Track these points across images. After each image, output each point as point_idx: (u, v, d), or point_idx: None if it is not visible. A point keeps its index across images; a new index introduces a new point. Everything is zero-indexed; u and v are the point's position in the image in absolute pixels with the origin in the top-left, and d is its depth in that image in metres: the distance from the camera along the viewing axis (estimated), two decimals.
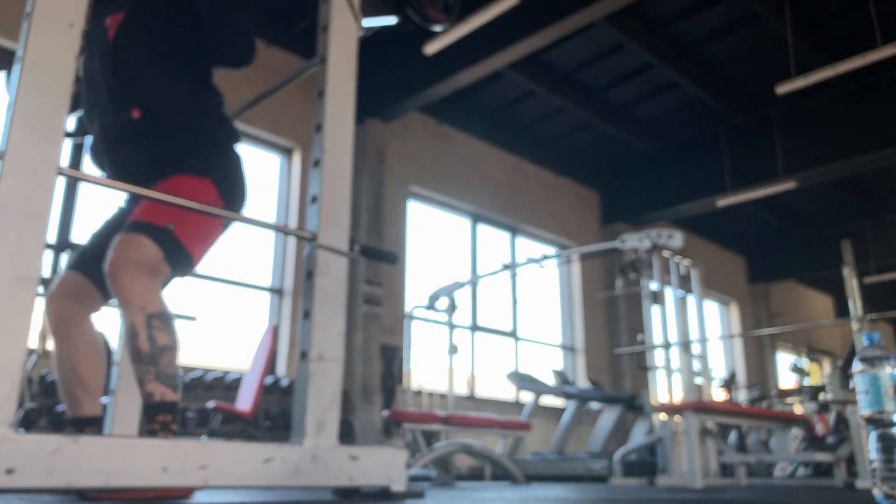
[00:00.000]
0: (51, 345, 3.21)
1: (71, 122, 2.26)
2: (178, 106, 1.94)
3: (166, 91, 1.94)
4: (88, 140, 2.07)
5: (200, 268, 1.99)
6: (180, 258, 1.84)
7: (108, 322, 2.41)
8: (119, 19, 1.96)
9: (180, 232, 1.83)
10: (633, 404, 6.93)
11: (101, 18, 1.99)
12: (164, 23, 1.96)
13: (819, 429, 6.06)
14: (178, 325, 1.82)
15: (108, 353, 3.53)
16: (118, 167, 1.94)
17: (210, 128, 1.97)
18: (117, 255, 1.76)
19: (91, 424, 1.89)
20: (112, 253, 1.78)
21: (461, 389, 8.04)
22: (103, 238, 1.94)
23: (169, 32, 1.96)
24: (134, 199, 2.01)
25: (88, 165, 3.18)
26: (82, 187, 5.47)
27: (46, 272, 4.40)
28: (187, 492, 1.75)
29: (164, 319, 1.75)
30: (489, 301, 9.01)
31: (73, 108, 2.10)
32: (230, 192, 1.95)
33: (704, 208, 10.09)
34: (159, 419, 1.71)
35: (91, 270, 1.89)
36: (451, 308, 6.17)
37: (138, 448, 1.45)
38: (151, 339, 1.72)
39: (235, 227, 2.04)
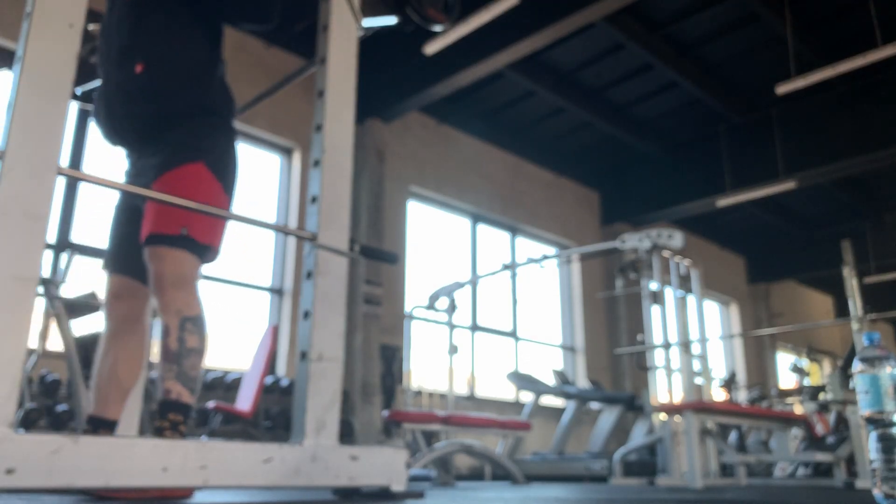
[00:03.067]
0: (57, 342, 3.20)
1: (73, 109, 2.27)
2: (182, 66, 1.93)
3: (173, 49, 1.93)
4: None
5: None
6: (204, 252, 1.89)
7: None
8: None
9: (194, 231, 1.86)
10: (633, 404, 6.93)
11: None
12: None
13: (819, 429, 6.06)
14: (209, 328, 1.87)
15: None
16: (113, 121, 1.95)
17: (208, 96, 1.96)
18: (158, 268, 1.82)
19: (107, 427, 1.89)
20: (153, 267, 1.83)
21: (461, 389, 8.04)
22: (125, 237, 1.96)
23: None
24: (133, 176, 1.99)
25: (88, 165, 3.17)
26: (82, 187, 5.47)
27: (46, 272, 4.40)
28: (188, 492, 1.75)
29: (197, 323, 1.81)
30: (489, 301, 9.01)
31: (90, 78, 2.13)
32: (224, 170, 1.96)
33: (704, 208, 10.09)
34: (171, 417, 1.73)
35: (132, 269, 1.93)
36: (451, 308, 6.17)
37: (138, 448, 1.45)
38: (181, 339, 1.77)
39: (235, 224, 2.04)
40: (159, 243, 1.82)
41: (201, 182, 1.89)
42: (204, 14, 1.98)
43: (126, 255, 1.95)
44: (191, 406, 1.77)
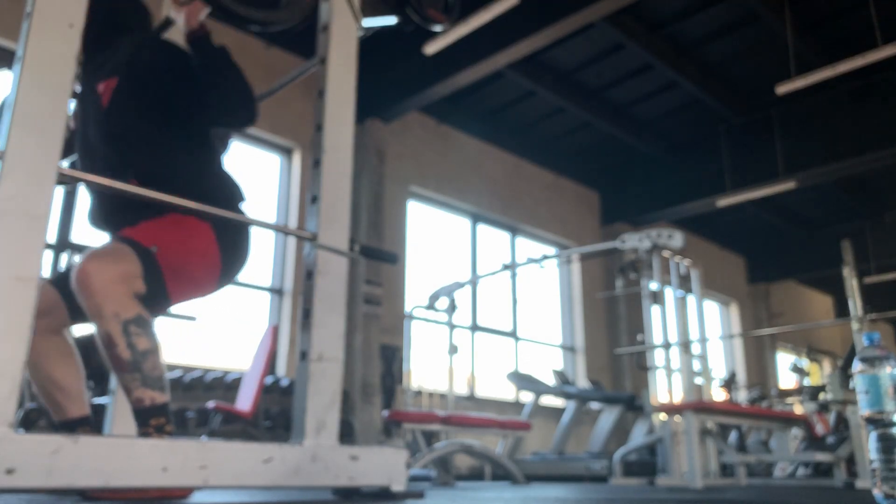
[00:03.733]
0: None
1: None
2: (178, 174, 1.87)
3: (163, 158, 1.88)
4: (80, 190, 2.04)
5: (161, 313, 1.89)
6: (156, 284, 1.75)
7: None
8: (112, 85, 1.90)
9: (162, 257, 1.76)
10: (633, 404, 6.93)
11: (93, 83, 1.93)
12: (159, 88, 1.89)
13: (819, 429, 6.06)
14: (175, 324, 1.80)
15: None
16: (116, 228, 1.90)
17: (211, 194, 1.89)
18: (89, 258, 1.67)
19: (81, 425, 1.87)
20: (83, 257, 1.68)
21: (461, 389, 8.04)
22: None
23: (165, 96, 1.90)
24: None
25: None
26: (82, 187, 5.46)
27: (46, 272, 4.40)
28: (186, 492, 1.75)
29: (141, 324, 1.67)
30: (489, 301, 9.01)
31: (65, 154, 2.03)
32: (230, 245, 1.89)
33: (704, 208, 10.09)
34: (153, 423, 1.67)
35: (67, 289, 1.78)
36: (451, 308, 6.17)
37: (138, 448, 1.45)
38: (131, 345, 1.64)
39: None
40: (121, 241, 1.75)
41: (201, 234, 1.84)
42: (182, 121, 1.93)
43: (69, 272, 1.82)
44: (167, 403, 1.70)
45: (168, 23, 2.08)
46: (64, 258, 4.45)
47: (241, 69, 1.90)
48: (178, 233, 1.81)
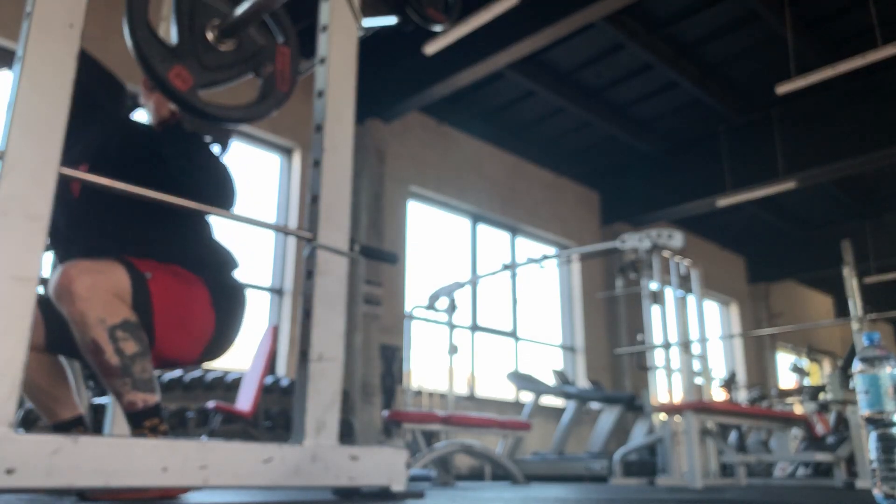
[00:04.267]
0: None
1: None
2: (167, 243, 1.82)
3: (143, 241, 1.81)
4: None
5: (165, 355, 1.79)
6: (143, 311, 1.67)
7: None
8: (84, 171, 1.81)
9: (154, 286, 1.70)
10: (633, 404, 6.93)
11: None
12: (129, 170, 1.72)
13: (819, 429, 6.06)
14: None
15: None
16: None
17: (204, 256, 1.86)
18: (73, 264, 1.61)
19: (75, 426, 1.87)
20: (65, 265, 1.61)
21: (461, 389, 8.04)
22: None
23: (140, 180, 1.70)
24: None
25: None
26: None
27: (46, 272, 4.40)
28: (179, 491, 1.74)
29: (127, 328, 1.61)
30: (489, 301, 9.01)
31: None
32: (224, 312, 1.84)
33: (704, 208, 10.09)
34: (147, 424, 1.66)
35: (49, 311, 1.71)
36: (451, 308, 6.17)
37: (138, 448, 1.45)
38: (119, 351, 1.59)
39: (235, 225, 1.94)
40: (114, 258, 1.68)
41: (195, 289, 1.78)
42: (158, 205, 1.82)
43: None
44: (159, 403, 1.68)
45: (137, 104, 2.03)
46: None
47: (215, 156, 1.84)
48: (177, 278, 1.76)
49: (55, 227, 1.74)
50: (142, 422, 1.66)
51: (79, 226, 1.81)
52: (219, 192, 1.79)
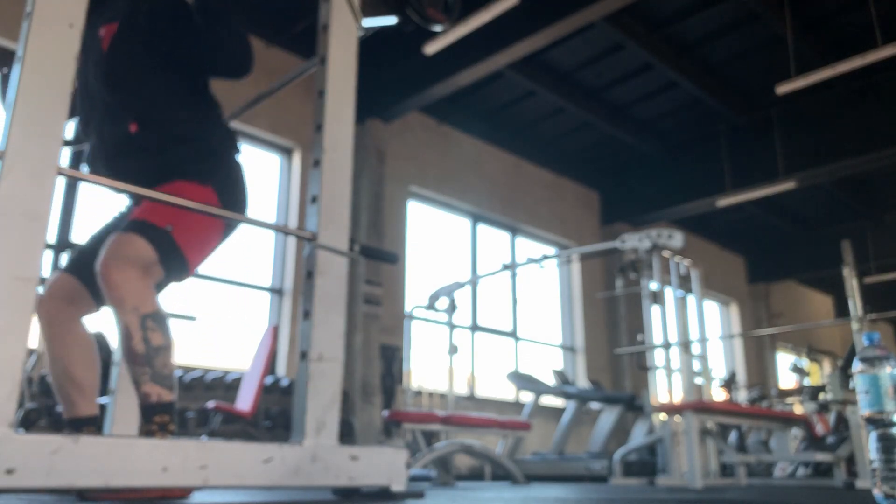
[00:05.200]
0: (42, 346, 3.20)
1: (70, 129, 2.25)
2: (176, 119, 1.92)
3: (163, 104, 1.92)
4: (86, 148, 2.04)
5: (201, 269, 1.98)
6: (176, 261, 1.82)
7: (106, 322, 2.38)
8: (113, 30, 1.93)
9: (178, 234, 1.81)
10: (633, 404, 6.93)
11: (94, 28, 1.95)
12: (159, 33, 1.92)
13: (819, 429, 6.06)
14: (174, 324, 1.81)
15: (106, 352, 3.52)
16: (118, 178, 1.89)
17: (209, 138, 1.96)
18: (110, 254, 1.74)
19: (88, 424, 1.88)
20: (104, 251, 1.75)
21: (461, 389, 8.04)
22: (100, 241, 1.92)
23: (165, 43, 1.92)
24: (135, 203, 2.00)
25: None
26: (82, 187, 5.47)
27: (46, 272, 4.40)
28: (185, 492, 1.75)
29: (157, 320, 1.73)
30: (489, 301, 9.01)
31: (69, 115, 2.08)
32: (232, 200, 1.94)
33: (704, 208, 10.09)
34: (156, 420, 1.70)
35: (85, 274, 1.86)
36: (451, 308, 6.17)
37: (138, 448, 1.45)
38: (146, 339, 1.69)
39: (235, 231, 2.04)
40: (134, 230, 1.78)
41: (205, 200, 1.87)
42: (182, 69, 1.97)
43: (86, 256, 1.90)
44: (173, 403, 1.74)
45: None
46: (64, 258, 4.46)
47: (238, 24, 1.93)
48: (194, 211, 1.82)
49: (84, 80, 1.95)
50: (152, 416, 1.70)
51: (105, 84, 1.92)
52: (242, 54, 1.92)
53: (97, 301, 1.91)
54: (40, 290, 1.53)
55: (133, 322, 1.69)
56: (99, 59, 1.92)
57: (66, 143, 2.28)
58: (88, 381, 1.90)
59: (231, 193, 1.95)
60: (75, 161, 4.62)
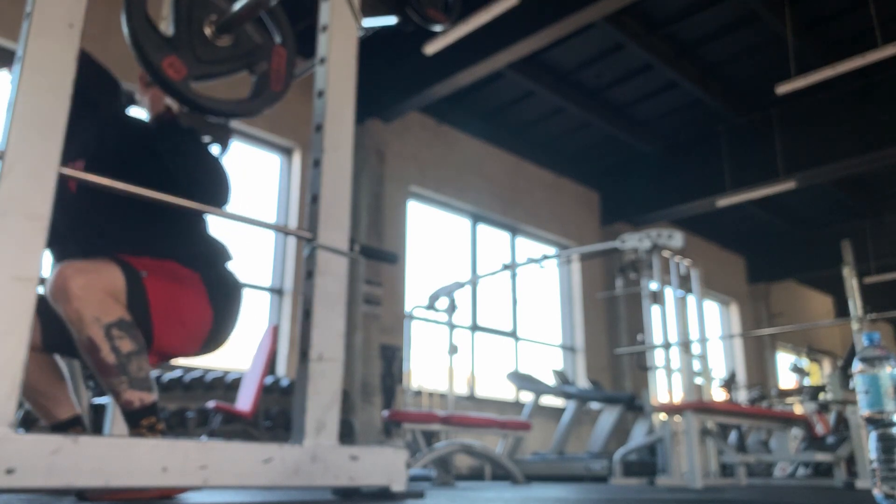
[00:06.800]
0: None
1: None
2: (162, 238, 1.84)
3: (141, 238, 1.82)
4: None
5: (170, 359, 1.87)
6: (139, 316, 1.68)
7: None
8: (79, 168, 1.80)
9: (151, 286, 1.70)
10: (633, 404, 6.93)
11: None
12: (125, 166, 1.73)
13: (819, 429, 6.06)
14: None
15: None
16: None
17: (198, 250, 1.88)
18: (68, 265, 1.62)
19: (73, 425, 1.87)
20: (61, 265, 1.63)
21: (461, 389, 8.04)
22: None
23: (135, 175, 1.70)
24: None
25: None
26: None
27: (46, 272, 4.39)
28: (178, 491, 1.74)
29: (122, 327, 1.63)
30: (489, 301, 9.01)
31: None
32: (221, 305, 1.85)
33: (704, 208, 10.09)
34: (144, 423, 1.67)
35: (44, 309, 1.70)
36: (451, 308, 6.17)
37: (138, 448, 1.45)
38: (115, 349, 1.61)
39: (235, 225, 1.98)
40: (111, 259, 1.69)
41: (192, 286, 1.79)
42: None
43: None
44: (156, 402, 1.69)
45: (133, 100, 2.04)
46: None
47: (210, 153, 1.84)
48: (172, 275, 1.77)
49: (53, 225, 1.72)
50: (139, 421, 1.67)
51: (76, 224, 1.81)
52: (213, 188, 1.80)
53: (44, 344, 1.82)
54: (40, 289, 1.51)
55: (97, 333, 1.59)
56: (67, 200, 1.75)
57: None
58: (54, 388, 1.86)
59: (223, 301, 1.86)
60: None
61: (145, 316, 1.69)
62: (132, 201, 1.68)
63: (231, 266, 1.96)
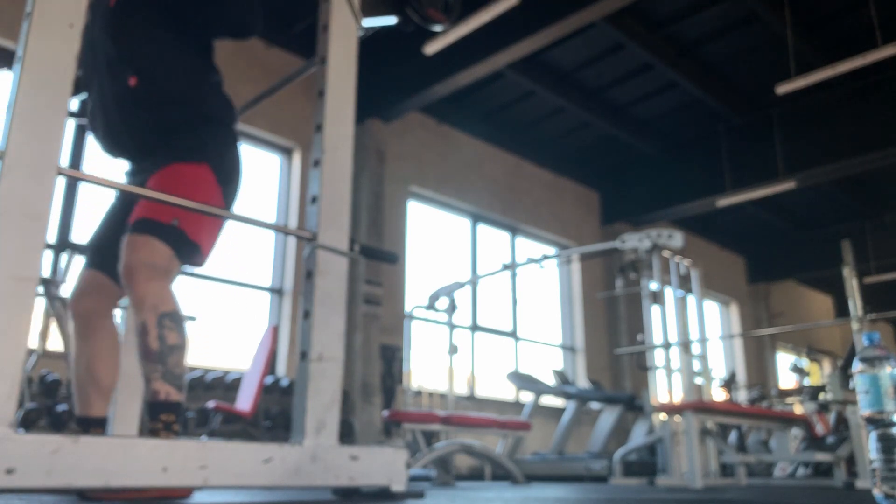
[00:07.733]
0: (57, 342, 3.20)
1: (74, 103, 2.26)
2: (176, 77, 1.93)
3: (165, 60, 1.92)
4: (89, 105, 2.05)
5: (204, 265, 1.99)
6: (190, 251, 1.86)
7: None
8: None
9: (186, 225, 1.83)
10: (633, 404, 6.93)
11: None
12: None
13: (819, 429, 6.06)
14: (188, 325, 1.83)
15: None
16: (112, 134, 1.94)
17: (207, 104, 1.97)
18: (130, 259, 1.77)
19: (97, 426, 1.90)
20: (125, 256, 1.79)
21: (461, 389, 8.04)
22: (111, 231, 1.95)
23: (170, 1, 1.94)
24: (134, 174, 2.00)
25: (88, 166, 3.16)
26: (82, 187, 5.47)
27: (46, 272, 4.41)
28: (187, 492, 1.75)
29: (175, 319, 1.76)
30: (489, 301, 9.01)
31: (74, 91, 2.10)
32: (227, 175, 1.96)
33: (704, 208, 10.09)
34: (162, 418, 1.71)
35: (107, 266, 1.90)
36: (451, 308, 6.17)
37: (138, 448, 1.45)
38: (161, 337, 1.72)
39: (235, 225, 2.04)
40: (145, 231, 1.79)
41: (201, 182, 1.88)
42: (186, 26, 1.97)
43: (105, 250, 1.93)
44: (181, 403, 1.75)
45: None
46: (64, 258, 4.45)
47: None
48: (185, 189, 1.82)
49: (91, 34, 1.96)
50: (158, 414, 1.72)
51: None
52: (247, 13, 1.94)
53: (121, 289, 1.94)
54: (40, 289, 1.53)
55: (150, 319, 1.72)
56: (105, 13, 1.94)
57: (71, 115, 2.29)
58: (108, 381, 1.93)
59: (227, 169, 1.96)
60: (79, 134, 4.63)
61: (194, 248, 1.86)
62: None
63: (233, 127, 2.05)
